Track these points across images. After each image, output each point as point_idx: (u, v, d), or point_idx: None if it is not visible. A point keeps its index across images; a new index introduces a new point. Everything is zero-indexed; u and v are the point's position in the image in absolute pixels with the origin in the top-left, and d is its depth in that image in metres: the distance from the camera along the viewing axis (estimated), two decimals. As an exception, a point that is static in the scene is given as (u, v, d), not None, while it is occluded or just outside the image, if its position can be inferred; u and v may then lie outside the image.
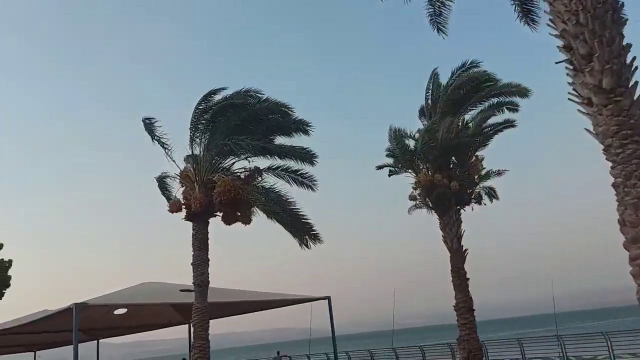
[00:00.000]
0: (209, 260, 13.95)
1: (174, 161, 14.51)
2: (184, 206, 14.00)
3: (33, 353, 30.88)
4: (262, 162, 14.78)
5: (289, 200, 13.78)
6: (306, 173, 14.77)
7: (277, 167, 15.03)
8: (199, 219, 14.03)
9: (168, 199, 15.64)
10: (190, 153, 14.51)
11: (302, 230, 13.20)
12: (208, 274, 13.85)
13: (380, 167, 15.93)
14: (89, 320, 19.32)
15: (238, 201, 13.37)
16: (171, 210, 13.93)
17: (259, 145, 13.54)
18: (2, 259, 41.66)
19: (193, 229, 14.10)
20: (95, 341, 30.57)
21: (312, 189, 14.59)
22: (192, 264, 13.89)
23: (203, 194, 13.69)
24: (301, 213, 13.27)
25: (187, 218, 14.23)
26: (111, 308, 18.12)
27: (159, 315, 22.77)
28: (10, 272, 41.97)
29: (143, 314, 22.25)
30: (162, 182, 15.54)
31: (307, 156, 13.75)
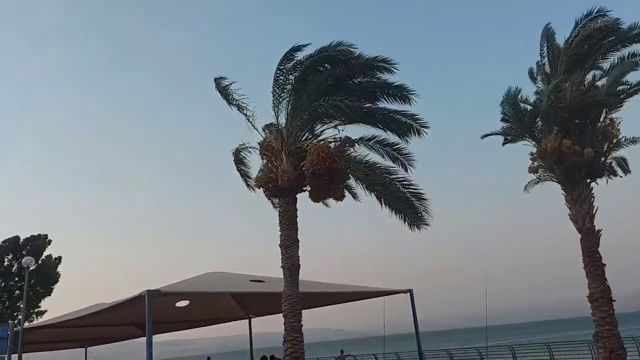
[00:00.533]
0: (298, 241, 12.12)
1: (255, 128, 12.79)
2: (269, 180, 12.20)
3: (84, 349, 30.20)
4: (351, 132, 12.92)
5: (392, 171, 11.82)
6: (404, 148, 12.79)
7: (371, 139, 13.09)
8: (286, 195, 12.20)
9: (245, 175, 13.94)
10: (275, 120, 12.72)
11: (411, 207, 11.14)
12: (298, 256, 12.01)
13: (486, 136, 13.71)
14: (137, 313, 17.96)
15: (333, 171, 11.45)
16: (257, 186, 12.14)
17: (362, 108, 11.49)
18: (51, 255, 41.42)
19: (280, 207, 12.28)
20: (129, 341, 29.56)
21: (406, 168, 12.54)
22: (280, 245, 12.07)
23: (291, 166, 11.84)
24: (413, 184, 11.19)
25: (272, 194, 12.45)
26: (179, 298, 16.64)
27: (220, 308, 21.32)
28: (59, 269, 41.77)
29: (204, 307, 20.72)
30: (238, 156, 13.83)
31: (416, 126, 11.64)
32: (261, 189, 12.62)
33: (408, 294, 18.16)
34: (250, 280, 17.71)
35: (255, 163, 13.81)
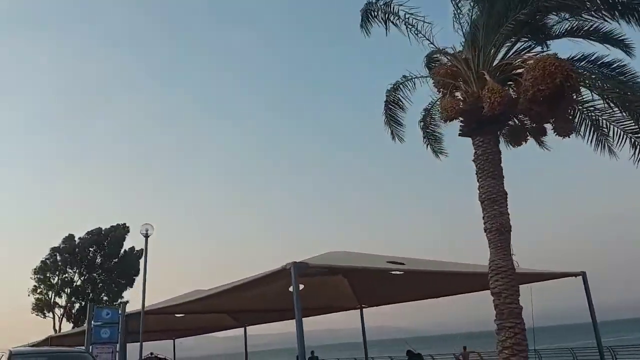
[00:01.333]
0: (506, 193, 8.90)
1: (436, 46, 9.69)
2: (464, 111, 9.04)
3: (172, 341, 28.77)
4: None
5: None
6: (624, 66, 9.43)
7: (582, 58, 9.73)
8: (487, 131, 9.00)
9: (395, 121, 10.93)
10: (462, 36, 9.58)
11: None
12: (508, 214, 8.77)
13: None
14: (244, 300, 15.61)
15: (563, 94, 8.14)
16: (448, 117, 8.98)
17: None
18: (133, 247, 40.49)
19: (478, 148, 9.07)
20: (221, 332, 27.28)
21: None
22: (480, 199, 8.88)
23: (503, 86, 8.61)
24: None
25: (467, 132, 9.26)
26: (319, 272, 14.04)
27: (332, 295, 18.71)
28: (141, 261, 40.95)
29: (315, 294, 18.01)
30: (394, 95, 10.77)
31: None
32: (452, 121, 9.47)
33: (580, 277, 14.76)
34: (387, 262, 14.80)
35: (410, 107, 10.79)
